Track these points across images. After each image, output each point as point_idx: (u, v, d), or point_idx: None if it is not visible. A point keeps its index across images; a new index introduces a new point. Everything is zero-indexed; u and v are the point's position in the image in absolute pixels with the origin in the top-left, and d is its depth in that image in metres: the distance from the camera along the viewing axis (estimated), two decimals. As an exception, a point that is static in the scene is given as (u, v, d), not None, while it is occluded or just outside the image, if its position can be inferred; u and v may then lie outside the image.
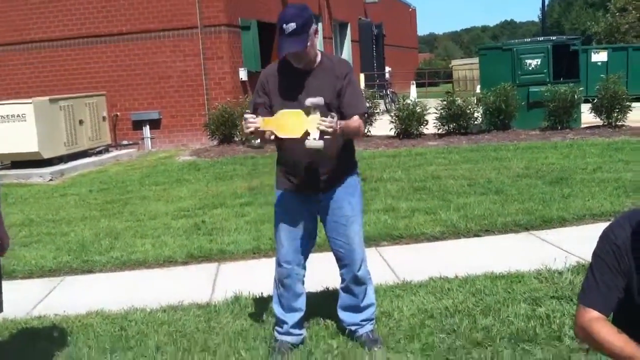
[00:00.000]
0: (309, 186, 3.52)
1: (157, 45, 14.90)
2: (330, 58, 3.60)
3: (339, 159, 3.52)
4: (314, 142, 3.10)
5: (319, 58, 3.50)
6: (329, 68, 3.47)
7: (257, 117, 3.27)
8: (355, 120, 3.42)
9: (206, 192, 8.76)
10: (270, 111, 3.43)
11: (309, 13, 3.37)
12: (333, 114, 3.20)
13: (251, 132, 3.24)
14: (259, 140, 3.29)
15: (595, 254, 2.14)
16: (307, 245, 3.68)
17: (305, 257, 3.71)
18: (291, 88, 3.44)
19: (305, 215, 3.61)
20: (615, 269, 2.05)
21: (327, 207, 3.59)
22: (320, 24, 3.74)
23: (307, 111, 3.16)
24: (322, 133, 3.11)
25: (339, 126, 3.19)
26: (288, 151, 3.51)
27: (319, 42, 3.54)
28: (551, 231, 5.92)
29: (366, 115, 3.62)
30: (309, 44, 3.33)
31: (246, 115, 3.26)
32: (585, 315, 2.06)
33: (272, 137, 3.25)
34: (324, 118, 3.11)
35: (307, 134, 3.13)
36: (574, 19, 58.74)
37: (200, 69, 14.75)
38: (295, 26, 3.24)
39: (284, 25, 3.25)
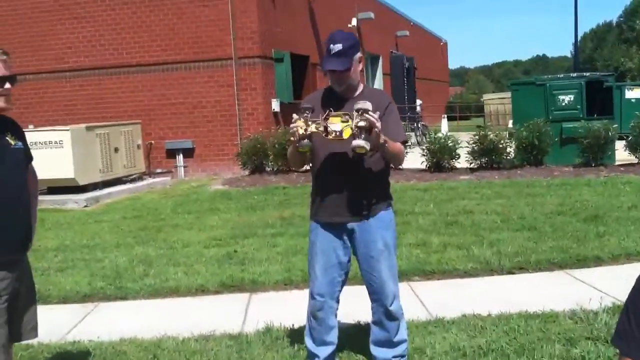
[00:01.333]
0: (342, 213, 3.54)
1: (192, 76, 15.17)
2: (373, 90, 3.74)
3: (373, 186, 3.55)
4: (360, 141, 3.15)
5: (360, 88, 3.60)
6: (371, 98, 3.54)
7: (301, 119, 3.33)
8: (398, 146, 3.51)
9: (238, 222, 8.83)
10: (310, 136, 3.48)
11: (356, 39, 3.51)
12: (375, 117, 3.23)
13: (299, 135, 3.29)
14: (306, 140, 3.33)
15: (632, 297, 2.09)
16: (341, 278, 3.68)
17: (339, 290, 3.71)
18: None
19: (339, 247, 3.62)
20: None
21: (360, 240, 3.60)
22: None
23: (352, 116, 3.22)
24: (368, 131, 3.16)
25: (385, 139, 3.30)
26: (325, 168, 3.54)
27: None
28: (586, 270, 5.84)
29: (405, 144, 3.68)
30: (352, 68, 3.44)
31: (295, 118, 3.34)
32: None
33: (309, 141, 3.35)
34: (371, 113, 3.17)
35: (352, 137, 3.19)
36: (606, 54, 58.42)
37: (234, 100, 14.95)
38: (341, 47, 3.39)
39: (331, 45, 3.40)
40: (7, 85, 3.08)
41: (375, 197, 3.57)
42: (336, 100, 3.55)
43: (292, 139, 3.37)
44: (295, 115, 3.38)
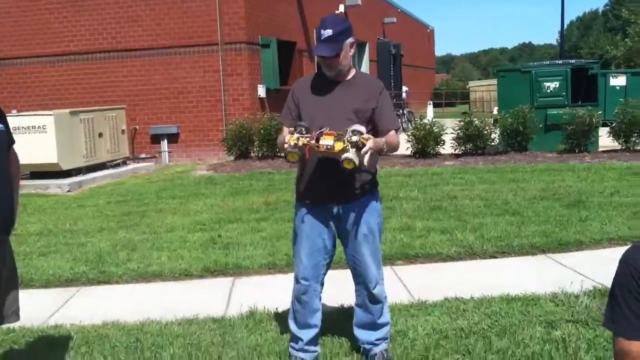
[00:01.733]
0: (327, 195, 3.54)
1: (178, 61, 15.08)
2: (364, 75, 3.76)
3: (360, 171, 3.55)
4: (350, 155, 3.18)
5: (352, 72, 3.61)
6: (363, 83, 3.59)
7: (294, 134, 3.34)
8: (394, 136, 3.57)
9: (222, 207, 8.81)
10: (300, 120, 3.52)
11: (347, 25, 3.51)
12: (366, 136, 3.25)
13: (290, 148, 3.30)
14: (297, 149, 3.33)
15: (617, 281, 2.10)
16: (326, 262, 3.69)
17: (324, 274, 3.72)
18: (321, 97, 3.54)
19: (324, 231, 3.62)
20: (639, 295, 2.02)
21: (345, 224, 3.60)
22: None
23: (345, 133, 3.23)
24: (359, 149, 3.19)
25: (383, 142, 3.39)
26: (311, 161, 3.54)
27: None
28: (568, 254, 5.88)
29: (398, 131, 3.70)
30: (342, 53, 3.44)
31: (287, 132, 3.36)
32: (633, 349, 2.01)
33: (307, 155, 3.35)
34: (365, 135, 3.22)
35: (344, 150, 3.21)
36: (592, 42, 58.70)
37: (220, 85, 14.89)
38: (331, 33, 3.40)
39: (322, 31, 3.42)
40: None
41: (362, 182, 3.57)
42: (327, 84, 3.56)
43: (285, 147, 3.35)
44: (286, 129, 3.43)
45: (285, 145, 3.33)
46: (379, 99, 3.55)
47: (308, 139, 3.29)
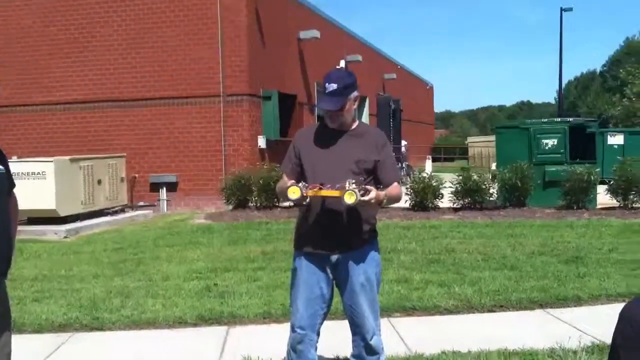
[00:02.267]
0: (326, 244, 3.53)
1: (179, 112, 15.23)
2: (367, 126, 3.80)
3: (360, 220, 3.55)
4: (353, 187, 3.21)
5: (356, 123, 3.64)
6: (366, 135, 3.62)
7: (296, 184, 3.35)
8: (396, 187, 3.59)
9: (219, 255, 8.76)
10: (301, 171, 3.57)
11: (353, 79, 3.54)
12: (368, 187, 3.29)
13: (296, 200, 3.33)
14: (306, 202, 3.37)
15: (617, 336, 2.09)
16: (323, 311, 3.64)
17: (320, 323, 3.67)
18: (323, 147, 3.56)
19: (322, 280, 3.59)
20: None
21: (343, 274, 3.58)
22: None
23: (344, 186, 3.25)
24: (360, 191, 3.23)
25: (384, 194, 3.41)
26: (311, 209, 3.55)
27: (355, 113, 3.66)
28: (566, 310, 5.83)
29: (400, 182, 3.71)
30: (346, 107, 3.48)
31: (289, 184, 3.36)
32: None
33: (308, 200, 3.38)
34: (369, 189, 3.26)
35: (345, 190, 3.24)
36: (590, 102, 59.37)
37: (220, 136, 15.00)
38: (336, 87, 3.45)
39: (327, 84, 3.46)
40: None
41: (361, 231, 3.56)
42: (329, 134, 3.59)
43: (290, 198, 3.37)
44: (289, 181, 3.46)
45: (288, 184, 3.35)
46: (382, 150, 3.57)
47: (309, 188, 3.32)
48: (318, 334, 3.69)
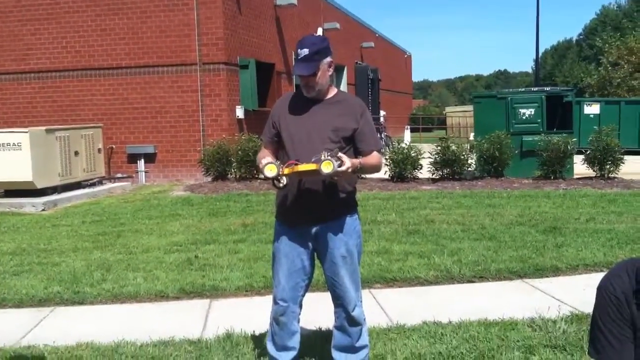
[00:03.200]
0: (306, 216, 3.53)
1: (156, 80, 15.04)
2: (346, 94, 3.74)
3: (339, 192, 3.55)
4: (329, 158, 3.19)
5: (334, 91, 3.60)
6: (344, 103, 3.57)
7: (273, 162, 3.32)
8: (375, 157, 3.57)
9: (199, 228, 8.74)
10: (279, 141, 3.55)
11: (325, 44, 3.49)
12: (343, 157, 3.27)
13: (272, 177, 3.30)
14: (283, 183, 3.37)
15: (597, 310, 2.12)
16: (304, 283, 3.67)
17: (302, 295, 3.69)
18: (300, 115, 3.54)
19: (303, 252, 3.61)
20: (620, 321, 2.04)
21: (323, 245, 3.59)
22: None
23: (320, 159, 3.23)
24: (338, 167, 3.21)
25: (358, 162, 3.39)
26: (291, 183, 3.54)
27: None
28: (544, 280, 5.92)
29: (380, 151, 3.69)
30: (319, 72, 3.43)
31: (264, 162, 3.32)
32: None
33: (286, 180, 3.38)
34: (340, 155, 3.24)
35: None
36: (566, 71, 59.64)
37: (198, 105, 14.86)
38: (307, 52, 3.40)
39: (299, 50, 3.42)
40: None
41: (341, 203, 3.57)
42: (306, 102, 3.55)
43: (260, 166, 3.35)
44: (264, 151, 3.51)
45: (264, 162, 3.32)
46: (361, 119, 3.55)
47: (284, 166, 3.30)
48: (300, 306, 3.71)
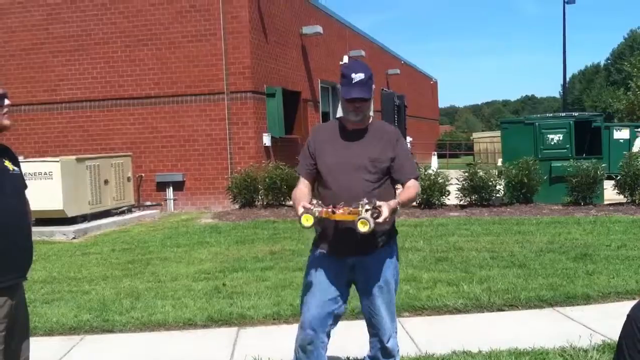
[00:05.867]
0: (345, 246, 3.49)
1: (184, 109, 15.23)
2: (380, 122, 3.74)
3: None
4: (366, 215, 3.16)
5: (370, 119, 3.62)
6: (380, 130, 3.59)
7: (313, 206, 3.29)
8: (412, 187, 3.52)
9: (227, 255, 8.78)
10: (317, 171, 3.56)
11: (371, 71, 3.53)
12: (381, 207, 3.21)
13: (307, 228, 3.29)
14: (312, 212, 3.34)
15: (625, 339, 2.09)
16: (336, 313, 3.60)
17: (331, 325, 3.62)
18: (338, 145, 3.55)
19: (339, 282, 3.57)
20: None
21: (361, 277, 3.57)
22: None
23: (358, 207, 3.21)
24: (375, 216, 3.17)
25: (396, 204, 3.32)
26: (332, 201, 3.51)
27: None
28: (575, 308, 5.82)
29: (417, 179, 3.65)
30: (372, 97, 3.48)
31: (303, 205, 3.30)
32: None
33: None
34: (381, 209, 3.19)
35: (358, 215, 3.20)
36: (595, 96, 59.20)
37: (225, 134, 15.00)
38: (363, 76, 3.44)
39: (353, 74, 3.43)
40: (7, 102, 3.08)
41: (380, 234, 3.51)
42: (343, 132, 3.57)
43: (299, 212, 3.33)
44: (302, 186, 3.54)
45: (300, 211, 3.29)
46: (396, 146, 3.55)
47: (322, 211, 3.27)
48: (329, 336, 3.65)
